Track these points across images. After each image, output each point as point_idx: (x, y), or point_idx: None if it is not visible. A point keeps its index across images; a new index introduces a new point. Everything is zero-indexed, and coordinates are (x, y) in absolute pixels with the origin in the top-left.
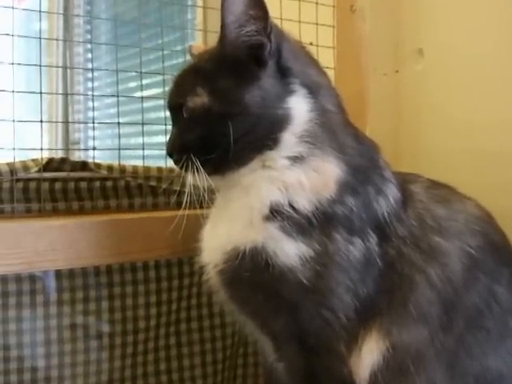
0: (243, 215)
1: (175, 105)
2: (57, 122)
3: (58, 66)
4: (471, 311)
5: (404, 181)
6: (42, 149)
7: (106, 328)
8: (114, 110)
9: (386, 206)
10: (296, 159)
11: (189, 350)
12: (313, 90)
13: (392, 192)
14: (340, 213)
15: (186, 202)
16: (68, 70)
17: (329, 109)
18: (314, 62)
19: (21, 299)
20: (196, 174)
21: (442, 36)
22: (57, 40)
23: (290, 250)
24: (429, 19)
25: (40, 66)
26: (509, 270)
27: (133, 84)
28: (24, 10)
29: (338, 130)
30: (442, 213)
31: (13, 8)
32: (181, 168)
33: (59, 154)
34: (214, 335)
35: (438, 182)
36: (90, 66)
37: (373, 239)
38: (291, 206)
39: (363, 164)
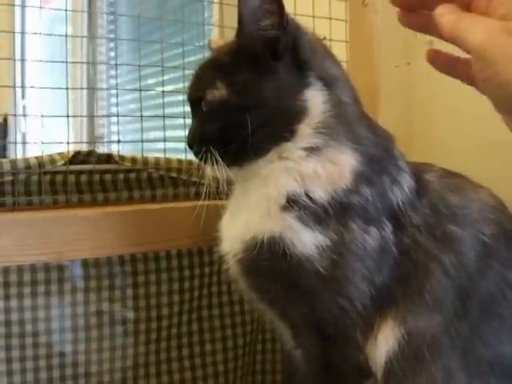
0: (261, 205)
1: (195, 98)
2: (81, 117)
3: (82, 62)
4: (486, 299)
5: (418, 170)
6: (68, 142)
7: (130, 315)
8: (134, 106)
9: (401, 195)
10: (312, 150)
11: (210, 336)
12: (329, 83)
13: (406, 181)
14: (356, 202)
15: (206, 192)
16: (91, 69)
17: (344, 101)
18: (330, 55)
19: (49, 287)
20: (215, 165)
21: None
22: (82, 37)
23: (306, 240)
24: None
25: (66, 62)
26: None
27: (152, 81)
28: (52, 9)
29: (354, 122)
30: (455, 201)
31: (40, 8)
32: (200, 159)
33: (84, 147)
34: (234, 322)
35: (452, 171)
36: (111, 54)
37: (388, 228)
38: (308, 196)
39: (378, 154)
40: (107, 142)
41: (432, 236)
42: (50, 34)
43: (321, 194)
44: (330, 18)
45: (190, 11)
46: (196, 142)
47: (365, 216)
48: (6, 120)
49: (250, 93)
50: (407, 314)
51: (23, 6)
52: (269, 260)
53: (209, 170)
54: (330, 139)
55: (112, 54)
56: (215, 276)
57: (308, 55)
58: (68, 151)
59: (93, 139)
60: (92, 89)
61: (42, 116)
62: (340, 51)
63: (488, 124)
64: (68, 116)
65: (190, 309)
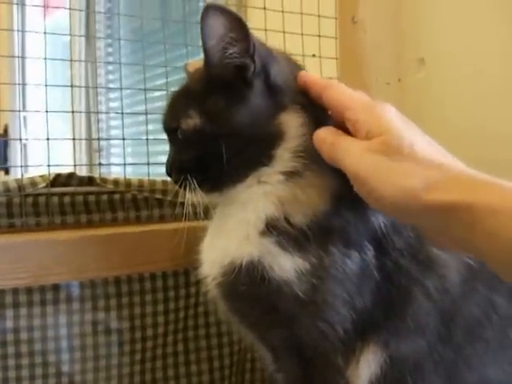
0: (240, 230)
1: (170, 127)
2: (63, 139)
3: (64, 86)
4: (470, 322)
5: None
6: (49, 165)
7: (114, 336)
8: (142, 118)
9: (383, 217)
10: (291, 174)
11: (196, 357)
12: (306, 105)
13: None
14: (336, 226)
15: (185, 216)
16: (90, 84)
17: (323, 121)
18: None
19: (31, 310)
20: (193, 192)
21: (442, 45)
22: (76, 61)
23: (285, 264)
24: (429, 29)
25: (46, 85)
26: None
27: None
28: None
29: None
30: None
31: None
32: (179, 186)
33: (72, 169)
34: (221, 342)
35: None
36: (110, 77)
37: (370, 252)
38: (287, 220)
39: None
40: (87, 165)
41: (415, 259)
42: (34, 57)
43: (300, 218)
44: (320, 36)
45: (184, 27)
46: (174, 170)
47: (345, 239)
48: (6, 130)
49: (222, 121)
50: (389, 338)
51: (23, 31)
52: (247, 284)
53: (187, 196)
54: (309, 162)
55: (111, 76)
56: (201, 296)
57: (280, 79)
58: (49, 173)
59: (91, 151)
60: (72, 112)
61: (21, 139)
62: (330, 68)
63: (479, 140)
64: (48, 139)
65: (175, 330)
